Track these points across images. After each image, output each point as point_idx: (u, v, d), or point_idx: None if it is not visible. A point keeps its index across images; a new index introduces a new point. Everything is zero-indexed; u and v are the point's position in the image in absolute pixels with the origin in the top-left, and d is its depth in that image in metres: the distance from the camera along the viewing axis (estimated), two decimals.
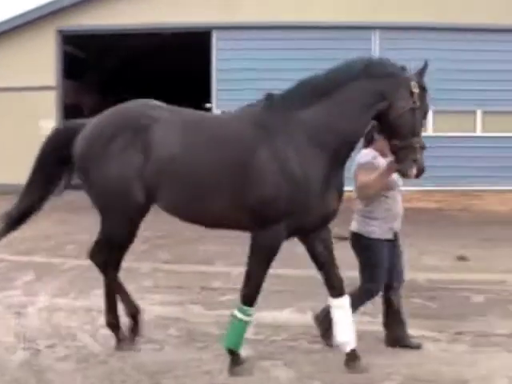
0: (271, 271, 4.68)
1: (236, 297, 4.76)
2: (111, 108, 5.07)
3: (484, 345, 5.26)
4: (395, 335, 5.26)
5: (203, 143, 4.64)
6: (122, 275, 5.17)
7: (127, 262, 5.34)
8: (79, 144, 4.90)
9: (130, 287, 5.49)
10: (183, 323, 5.89)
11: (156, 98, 5.07)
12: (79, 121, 5.26)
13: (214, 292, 7.13)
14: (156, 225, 7.61)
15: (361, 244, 5.16)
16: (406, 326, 5.28)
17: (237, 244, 6.30)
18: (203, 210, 4.72)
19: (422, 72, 4.64)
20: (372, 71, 4.53)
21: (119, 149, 4.68)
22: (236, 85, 15.95)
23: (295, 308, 6.23)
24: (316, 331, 5.17)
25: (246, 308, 4.63)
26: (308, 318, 5.31)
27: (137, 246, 6.04)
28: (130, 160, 4.66)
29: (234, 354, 4.69)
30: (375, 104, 4.52)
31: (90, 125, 4.95)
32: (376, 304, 5.41)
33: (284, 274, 7.20)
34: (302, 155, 4.46)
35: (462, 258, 8.99)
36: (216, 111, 16.18)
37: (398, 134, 4.51)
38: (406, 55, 15.51)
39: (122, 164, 4.66)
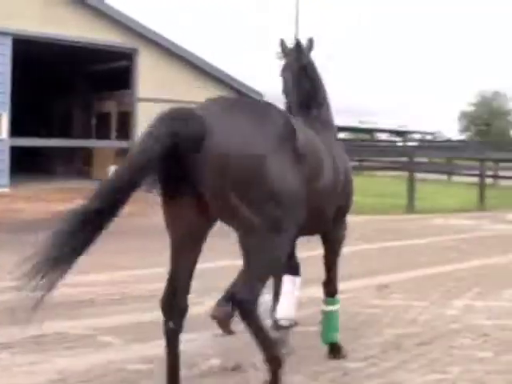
0: None
1: None
2: (249, 100, 4.25)
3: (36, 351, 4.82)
4: None
5: (325, 153, 4.29)
6: None
7: None
8: (247, 143, 3.44)
9: None
10: None
11: None
12: (194, 108, 3.50)
13: None
14: None
15: None
16: None
17: None
18: (316, 223, 4.37)
19: None
20: None
21: (293, 152, 3.71)
22: None
23: None
24: None
25: (336, 299, 4.83)
26: None
27: None
28: (298, 166, 3.73)
29: (335, 345, 4.79)
30: None
31: (246, 118, 3.55)
32: None
33: None
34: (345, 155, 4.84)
35: None
36: None
37: None
38: None
39: (297, 170, 3.71)
